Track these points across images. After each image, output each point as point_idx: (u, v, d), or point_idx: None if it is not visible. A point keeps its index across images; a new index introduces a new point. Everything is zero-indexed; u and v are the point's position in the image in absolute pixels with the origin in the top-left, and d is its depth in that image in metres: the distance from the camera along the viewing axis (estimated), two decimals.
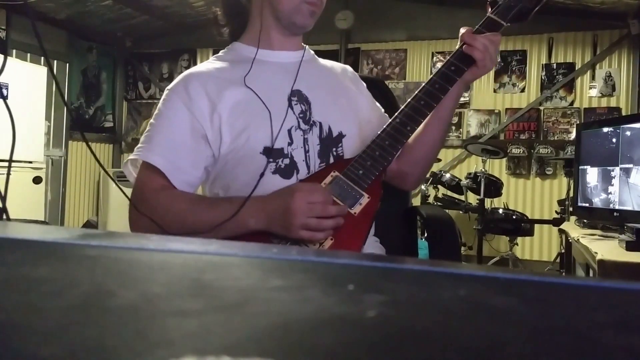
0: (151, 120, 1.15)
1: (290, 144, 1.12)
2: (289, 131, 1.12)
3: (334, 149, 1.16)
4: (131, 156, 1.14)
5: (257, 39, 1.17)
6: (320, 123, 1.16)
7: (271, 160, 1.10)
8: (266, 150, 1.10)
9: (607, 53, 4.88)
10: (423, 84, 1.14)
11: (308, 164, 1.13)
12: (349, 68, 1.35)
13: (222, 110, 1.10)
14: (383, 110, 1.32)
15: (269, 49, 1.18)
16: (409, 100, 1.13)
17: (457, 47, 1.15)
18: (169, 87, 1.17)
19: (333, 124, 1.17)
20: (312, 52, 1.28)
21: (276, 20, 1.17)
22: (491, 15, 1.14)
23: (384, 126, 1.13)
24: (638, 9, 4.46)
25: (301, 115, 1.14)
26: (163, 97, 1.16)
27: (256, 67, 1.15)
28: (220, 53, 1.24)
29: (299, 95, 1.16)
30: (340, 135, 1.17)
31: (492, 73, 5.11)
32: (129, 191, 1.13)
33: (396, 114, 1.14)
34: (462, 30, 1.14)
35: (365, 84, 1.34)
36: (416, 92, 1.14)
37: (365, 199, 1.08)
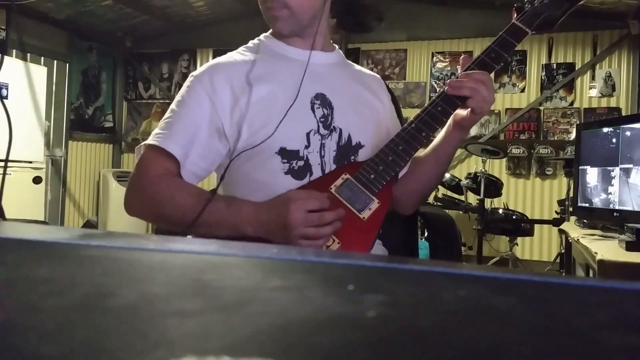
0: (172, 107, 1.14)
1: (307, 147, 1.11)
2: (307, 134, 1.11)
3: (351, 157, 1.15)
4: (149, 141, 1.11)
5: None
6: (340, 129, 1.15)
7: (285, 160, 1.10)
8: (282, 150, 1.10)
9: (607, 53, 4.87)
10: (441, 89, 1.12)
11: (323, 169, 1.12)
12: (378, 77, 1.33)
13: (244, 106, 1.10)
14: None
15: (299, 48, 1.17)
16: (426, 105, 1.11)
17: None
18: (194, 73, 1.16)
19: (353, 132, 1.16)
20: (342, 54, 1.27)
21: None
22: (516, 22, 1.11)
23: (399, 131, 1.11)
24: (638, 9, 4.45)
25: (322, 119, 1.14)
26: (187, 83, 1.15)
27: (282, 63, 1.15)
28: (250, 44, 1.23)
29: (323, 99, 1.15)
30: (359, 146, 1.16)
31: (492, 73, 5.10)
32: None
33: (412, 119, 1.12)
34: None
35: (391, 96, 1.32)
36: (434, 97, 1.12)
37: (375, 204, 1.07)
